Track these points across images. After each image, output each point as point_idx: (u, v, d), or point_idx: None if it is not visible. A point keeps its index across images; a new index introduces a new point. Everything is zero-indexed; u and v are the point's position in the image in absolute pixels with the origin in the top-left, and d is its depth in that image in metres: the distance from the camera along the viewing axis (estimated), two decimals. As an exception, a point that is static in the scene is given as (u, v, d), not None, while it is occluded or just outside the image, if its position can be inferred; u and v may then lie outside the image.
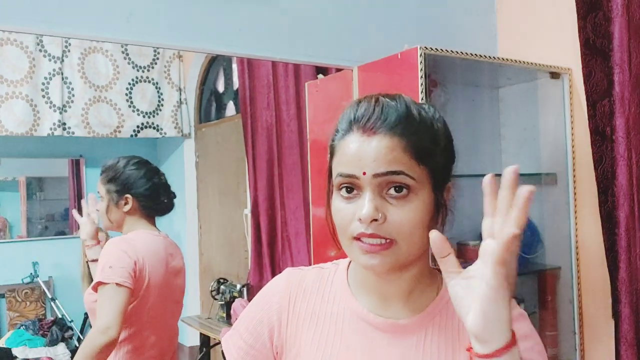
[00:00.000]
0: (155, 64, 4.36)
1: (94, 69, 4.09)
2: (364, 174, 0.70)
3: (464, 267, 0.65)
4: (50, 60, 3.91)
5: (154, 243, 1.71)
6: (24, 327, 4.21)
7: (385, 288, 0.77)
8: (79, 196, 4.83)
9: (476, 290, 0.62)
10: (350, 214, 0.71)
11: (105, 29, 1.54)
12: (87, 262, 1.85)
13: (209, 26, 1.68)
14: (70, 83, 3.99)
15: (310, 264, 0.99)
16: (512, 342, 0.62)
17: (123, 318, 1.51)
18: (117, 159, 1.77)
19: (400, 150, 0.70)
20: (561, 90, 2.01)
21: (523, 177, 0.61)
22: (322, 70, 2.27)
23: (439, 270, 0.71)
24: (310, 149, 2.16)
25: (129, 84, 4.24)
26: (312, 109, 2.13)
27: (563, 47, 2.01)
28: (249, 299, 3.39)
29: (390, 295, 0.78)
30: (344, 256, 0.78)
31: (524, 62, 1.92)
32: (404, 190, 0.70)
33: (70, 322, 4.21)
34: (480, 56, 1.80)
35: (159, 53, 4.36)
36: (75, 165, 4.84)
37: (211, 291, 3.52)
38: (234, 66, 4.01)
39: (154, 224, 1.79)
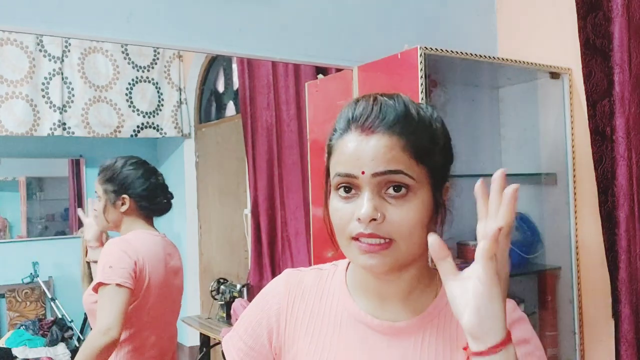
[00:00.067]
0: (155, 64, 4.36)
1: (94, 69, 4.09)
2: (363, 173, 0.69)
3: (464, 267, 0.65)
4: (50, 60, 3.91)
5: (153, 243, 1.71)
6: (24, 327, 4.20)
7: (384, 289, 0.77)
8: (79, 196, 4.83)
9: (471, 290, 0.63)
10: (349, 213, 0.71)
11: (105, 29, 1.53)
12: (87, 262, 1.85)
13: (209, 26, 1.68)
14: (70, 83, 3.99)
15: (310, 264, 0.99)
16: (507, 339, 0.62)
17: (124, 319, 1.51)
18: (114, 159, 1.77)
19: (399, 149, 0.70)
20: (561, 90, 2.01)
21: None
22: (322, 70, 2.26)
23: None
24: (310, 149, 2.15)
25: (129, 84, 4.24)
26: (312, 109, 2.13)
27: (563, 47, 2.01)
28: (249, 299, 3.40)
29: (389, 296, 0.77)
30: (342, 257, 0.77)
31: (523, 62, 1.91)
32: (403, 190, 0.70)
33: (70, 322, 4.21)
34: (480, 56, 1.80)
35: (159, 53, 4.36)
36: (75, 165, 4.83)
37: (211, 291, 3.52)
38: (234, 66, 4.01)
39: (151, 224, 1.79)
